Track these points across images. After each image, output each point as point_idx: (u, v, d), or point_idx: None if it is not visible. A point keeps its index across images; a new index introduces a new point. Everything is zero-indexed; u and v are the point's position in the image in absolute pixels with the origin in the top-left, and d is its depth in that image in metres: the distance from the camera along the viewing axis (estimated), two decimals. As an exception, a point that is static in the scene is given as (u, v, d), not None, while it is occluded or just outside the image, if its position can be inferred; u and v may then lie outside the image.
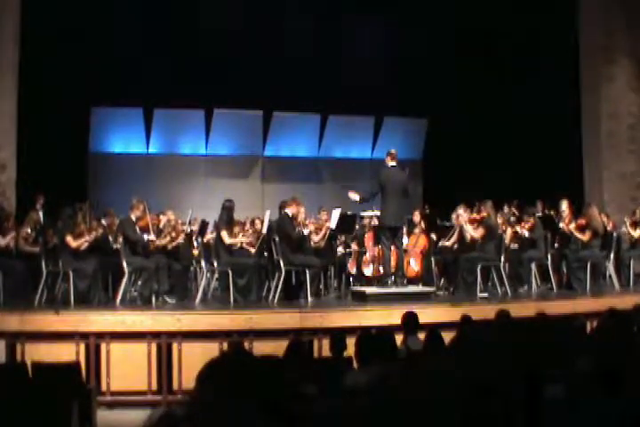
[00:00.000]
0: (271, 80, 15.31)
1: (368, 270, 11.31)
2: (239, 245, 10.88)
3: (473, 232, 10.83)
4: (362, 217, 11.78)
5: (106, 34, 14.18)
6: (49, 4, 13.30)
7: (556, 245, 11.69)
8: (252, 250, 11.07)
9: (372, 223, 11.48)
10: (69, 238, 9.64)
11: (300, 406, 1.72)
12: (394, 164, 10.08)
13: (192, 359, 8.10)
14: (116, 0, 14.71)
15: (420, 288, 10.47)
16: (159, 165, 16.32)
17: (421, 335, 6.20)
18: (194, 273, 11.73)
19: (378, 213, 10.53)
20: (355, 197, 10.06)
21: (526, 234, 11.17)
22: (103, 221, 11.11)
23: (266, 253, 10.98)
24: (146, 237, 10.05)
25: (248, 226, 12.14)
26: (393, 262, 10.13)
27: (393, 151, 10.24)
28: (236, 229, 10.76)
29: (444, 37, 15.53)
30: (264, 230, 10.85)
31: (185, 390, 8.13)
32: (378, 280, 10.45)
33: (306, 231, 10.76)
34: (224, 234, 10.11)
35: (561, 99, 14.64)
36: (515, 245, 11.52)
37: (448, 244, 11.33)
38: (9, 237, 10.17)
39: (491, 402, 1.73)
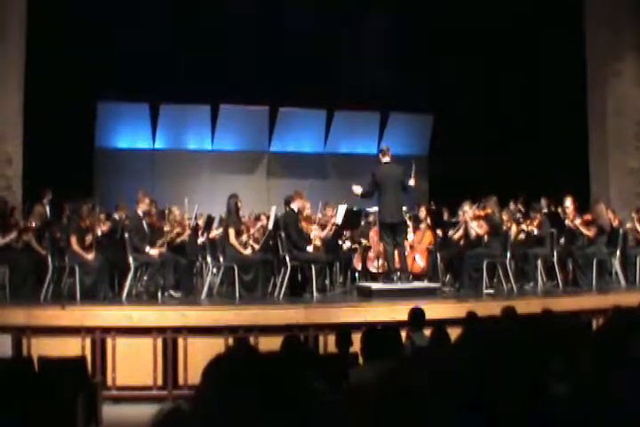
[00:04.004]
0: (277, 76, 15.31)
1: (373, 266, 11.30)
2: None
3: (477, 229, 10.83)
4: (367, 213, 11.77)
5: (112, 29, 14.17)
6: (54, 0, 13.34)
7: (562, 241, 11.67)
8: (256, 246, 11.07)
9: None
10: (74, 240, 9.65)
11: (307, 401, 1.73)
12: (387, 160, 10.07)
13: (197, 355, 8.13)
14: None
15: (425, 284, 10.45)
16: (165, 160, 16.32)
17: (427, 332, 6.20)
18: (199, 268, 11.74)
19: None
20: (357, 190, 10.07)
21: (535, 231, 11.16)
22: (116, 216, 11.14)
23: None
24: (149, 248, 9.98)
25: (252, 222, 12.13)
26: (397, 258, 10.12)
27: (385, 148, 10.29)
28: (242, 228, 10.75)
29: (449, 33, 15.49)
30: (270, 226, 10.86)
31: (190, 385, 8.15)
32: (383, 276, 10.44)
33: (313, 227, 10.77)
34: (231, 232, 10.11)
35: (567, 95, 14.61)
36: (520, 237, 11.47)
37: (455, 236, 11.30)
38: (8, 237, 10.16)
39: (493, 401, 1.73)
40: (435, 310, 8.18)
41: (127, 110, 16.05)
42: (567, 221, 11.30)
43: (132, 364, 8.34)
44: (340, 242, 11.82)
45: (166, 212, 11.36)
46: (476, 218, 10.86)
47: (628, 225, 12.01)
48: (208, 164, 16.67)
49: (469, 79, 15.47)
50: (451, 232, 11.46)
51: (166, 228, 10.73)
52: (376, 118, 17.43)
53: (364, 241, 11.74)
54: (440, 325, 6.00)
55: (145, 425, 1.52)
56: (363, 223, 11.85)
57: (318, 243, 10.84)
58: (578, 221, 11.14)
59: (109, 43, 14.18)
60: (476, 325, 5.77)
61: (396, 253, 10.06)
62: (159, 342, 8.42)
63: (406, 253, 10.30)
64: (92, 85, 14.04)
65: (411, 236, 11.26)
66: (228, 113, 16.39)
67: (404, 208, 10.54)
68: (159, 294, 9.80)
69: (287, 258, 10.03)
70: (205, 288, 10.24)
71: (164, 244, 10.41)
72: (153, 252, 9.97)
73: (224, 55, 15.18)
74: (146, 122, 16.24)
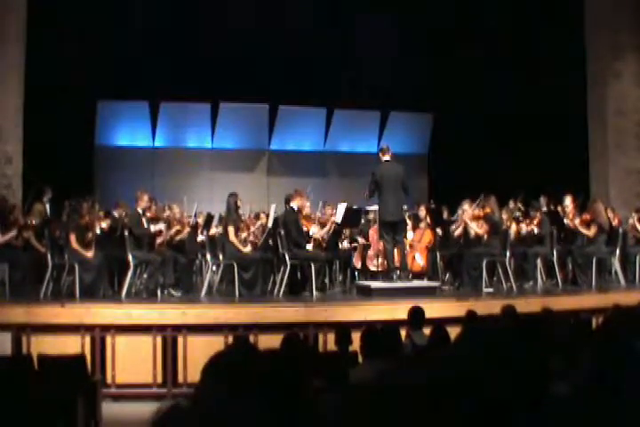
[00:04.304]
0: (277, 74, 15.31)
1: (373, 265, 11.30)
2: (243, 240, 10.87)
3: (477, 229, 10.83)
4: (367, 211, 11.77)
5: (112, 27, 14.17)
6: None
7: (561, 240, 11.67)
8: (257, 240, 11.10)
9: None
10: (73, 238, 9.66)
11: (307, 400, 1.73)
12: (387, 158, 10.08)
13: (197, 353, 8.13)
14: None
15: (425, 283, 10.46)
16: (165, 158, 16.32)
17: (427, 330, 6.20)
18: (199, 266, 11.74)
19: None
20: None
21: (536, 230, 11.17)
22: (115, 213, 11.15)
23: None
24: (154, 227, 10.05)
25: (252, 221, 12.13)
26: (396, 257, 10.12)
27: (385, 146, 10.35)
28: (241, 226, 10.75)
29: (449, 33, 15.49)
30: (269, 224, 10.87)
31: (190, 383, 8.15)
32: (383, 275, 10.44)
33: (312, 227, 10.77)
34: (230, 230, 10.11)
35: (567, 95, 14.60)
36: (519, 236, 11.46)
37: (456, 233, 11.30)
38: (9, 235, 10.14)
39: (493, 401, 1.73)
40: (434, 308, 8.18)
41: (127, 108, 16.05)
42: (566, 221, 11.30)
43: (132, 362, 8.34)
44: (339, 241, 11.82)
45: (165, 209, 11.38)
46: (475, 218, 10.86)
47: (630, 221, 12.02)
48: (208, 162, 16.66)
49: (469, 79, 15.45)
50: (453, 227, 11.47)
51: (166, 214, 10.82)
52: (376, 117, 17.42)
53: (360, 240, 11.74)
54: (440, 324, 6.00)
55: (144, 423, 1.52)
56: (363, 221, 11.85)
57: (318, 237, 10.85)
58: (577, 221, 11.14)
59: (109, 41, 14.17)
60: (475, 324, 5.77)
61: (395, 251, 10.07)
62: (159, 340, 8.43)
63: (406, 252, 10.31)
64: (91, 84, 14.02)
65: (410, 234, 11.25)
66: (227, 111, 16.39)
67: (404, 207, 10.54)
68: (159, 292, 9.81)
69: (287, 256, 10.03)
70: (205, 286, 10.24)
71: (167, 228, 10.48)
72: (159, 226, 10.04)
73: (224, 53, 15.15)
74: (146, 120, 16.24)
